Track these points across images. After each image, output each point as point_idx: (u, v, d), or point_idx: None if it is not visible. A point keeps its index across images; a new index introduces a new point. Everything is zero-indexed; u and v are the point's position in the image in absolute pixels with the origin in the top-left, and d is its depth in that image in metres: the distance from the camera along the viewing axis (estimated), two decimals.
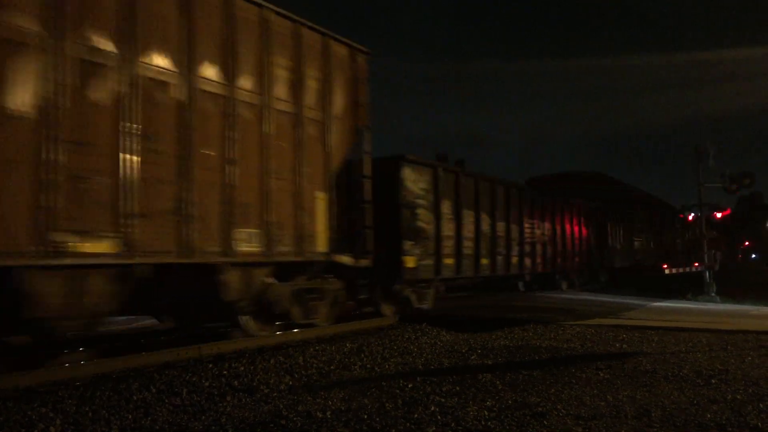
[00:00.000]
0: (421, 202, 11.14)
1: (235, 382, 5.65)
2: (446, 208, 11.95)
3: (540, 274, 16.94)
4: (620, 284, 21.76)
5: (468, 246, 12.66)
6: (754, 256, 53.47)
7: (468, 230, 12.70)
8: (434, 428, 4.21)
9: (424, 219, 11.19)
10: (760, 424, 4.31)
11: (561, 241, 17.85)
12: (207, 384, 5.59)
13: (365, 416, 4.50)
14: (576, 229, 19.11)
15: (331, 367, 6.40)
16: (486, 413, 4.56)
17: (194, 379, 5.78)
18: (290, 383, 5.68)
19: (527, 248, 15.53)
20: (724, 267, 25.38)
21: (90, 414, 4.58)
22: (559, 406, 4.74)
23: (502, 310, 12.24)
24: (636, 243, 25.28)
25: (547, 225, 16.91)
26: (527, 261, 15.58)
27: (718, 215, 24.30)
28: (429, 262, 11.25)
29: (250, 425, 4.32)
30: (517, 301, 14.34)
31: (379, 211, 9.68)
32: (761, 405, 4.78)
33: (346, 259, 8.89)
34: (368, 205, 9.29)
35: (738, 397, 5.06)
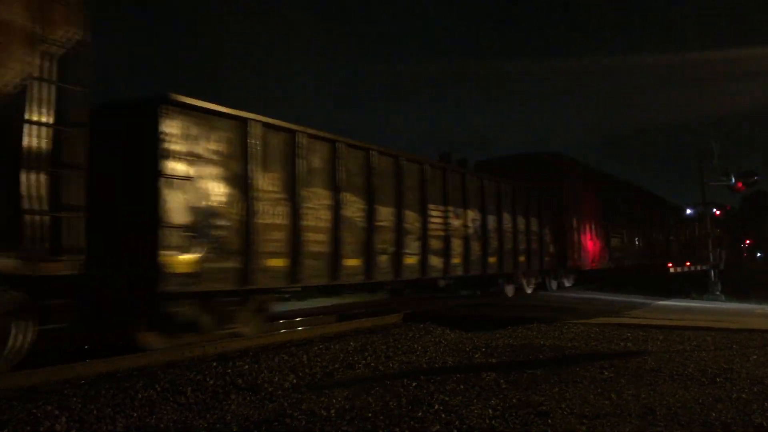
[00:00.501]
0: (209, 171, 7.22)
1: (240, 381, 5.66)
2: (269, 183, 7.97)
3: (466, 278, 13.34)
4: (600, 287, 19.50)
5: (317, 240, 8.67)
6: (759, 255, 53.34)
7: (318, 217, 8.70)
8: (438, 427, 4.21)
9: (216, 198, 7.30)
10: (765, 423, 4.30)
11: (497, 236, 13.69)
12: (211, 382, 5.61)
13: (369, 415, 4.51)
14: (522, 221, 15.04)
15: (335, 366, 6.41)
16: (490, 412, 4.56)
17: (198, 377, 5.80)
18: (294, 382, 5.69)
19: (435, 244, 11.38)
20: (729, 266, 25.28)
21: (95, 412, 4.60)
22: (563, 405, 4.73)
23: (505, 309, 12.22)
24: (614, 241, 21.83)
25: (472, 215, 12.69)
26: (436, 261, 11.42)
27: (717, 212, 24.23)
28: (229, 264, 7.34)
29: (254, 423, 4.33)
30: (519, 301, 14.32)
31: (122, 185, 6.91)
32: (766, 404, 4.77)
33: (3, 264, 5.31)
34: (74, 172, 5.80)
35: (743, 396, 5.05)
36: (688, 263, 29.67)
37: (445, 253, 11.71)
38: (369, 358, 6.88)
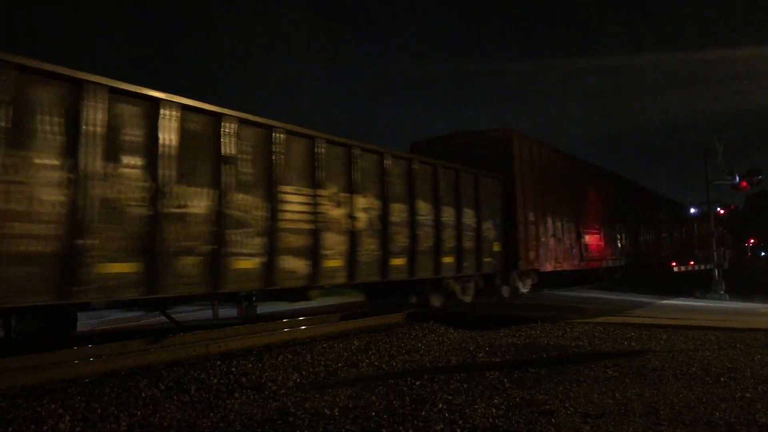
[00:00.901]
0: None
1: (243, 379, 5.67)
2: None
3: (351, 287, 10.43)
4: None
5: (34, 235, 5.52)
6: (763, 254, 53.28)
7: (34, 198, 5.57)
8: (442, 426, 4.21)
9: None
10: None
11: (408, 231, 10.42)
12: (215, 381, 5.62)
13: (373, 413, 4.51)
14: (450, 212, 11.67)
15: (339, 365, 6.41)
16: (493, 411, 4.56)
17: (202, 376, 5.81)
18: (298, 380, 5.70)
19: (294, 241, 8.20)
20: (732, 265, 25.19)
21: (99, 410, 4.62)
22: (566, 404, 4.73)
23: (509, 308, 12.21)
24: (586, 237, 18.12)
25: (365, 202, 9.53)
26: (295, 264, 8.18)
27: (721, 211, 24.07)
28: None
29: (258, 422, 4.34)
30: (523, 300, 14.29)
31: None
32: None
33: None
34: None
35: (747, 395, 5.04)
36: (692, 262, 29.49)
37: (313, 252, 8.49)
38: (373, 357, 6.89)
